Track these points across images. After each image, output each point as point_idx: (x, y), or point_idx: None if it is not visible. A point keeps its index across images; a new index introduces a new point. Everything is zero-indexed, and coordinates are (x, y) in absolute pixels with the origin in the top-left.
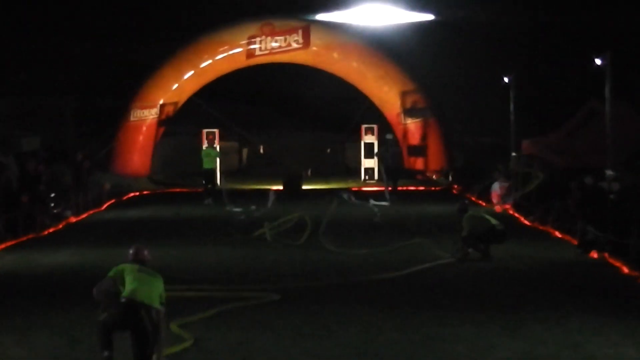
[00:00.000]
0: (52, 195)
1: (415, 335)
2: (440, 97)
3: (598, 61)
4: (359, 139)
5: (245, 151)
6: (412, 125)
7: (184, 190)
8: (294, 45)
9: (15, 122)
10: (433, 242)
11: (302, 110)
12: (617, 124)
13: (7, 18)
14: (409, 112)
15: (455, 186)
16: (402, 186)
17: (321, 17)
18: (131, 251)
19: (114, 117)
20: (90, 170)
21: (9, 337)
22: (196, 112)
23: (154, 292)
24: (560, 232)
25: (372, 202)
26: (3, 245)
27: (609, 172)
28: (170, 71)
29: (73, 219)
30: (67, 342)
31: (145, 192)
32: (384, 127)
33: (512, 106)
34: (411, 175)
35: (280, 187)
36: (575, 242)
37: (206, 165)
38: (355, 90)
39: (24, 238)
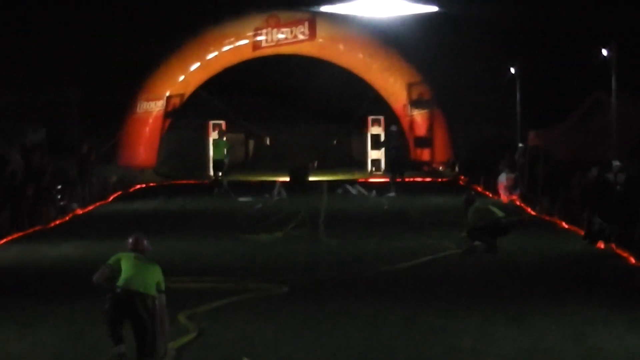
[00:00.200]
0: (58, 187)
1: (420, 328)
2: (446, 88)
3: (604, 52)
4: (365, 130)
5: (251, 143)
6: (418, 116)
7: (190, 182)
8: (300, 37)
9: (20, 115)
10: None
11: (308, 102)
12: (622, 115)
13: (11, 10)
14: (415, 103)
15: (462, 177)
16: (408, 177)
17: (326, 9)
18: (130, 240)
19: (120, 110)
20: (94, 162)
21: (14, 329)
22: (202, 104)
23: (150, 279)
24: (567, 223)
25: (374, 193)
26: (9, 238)
27: (615, 163)
28: (176, 63)
29: (79, 211)
30: (71, 334)
31: (151, 184)
32: (390, 118)
33: (518, 97)
34: (417, 167)
35: (287, 179)
36: (582, 233)
37: (215, 155)
38: (361, 82)
39: (30, 230)
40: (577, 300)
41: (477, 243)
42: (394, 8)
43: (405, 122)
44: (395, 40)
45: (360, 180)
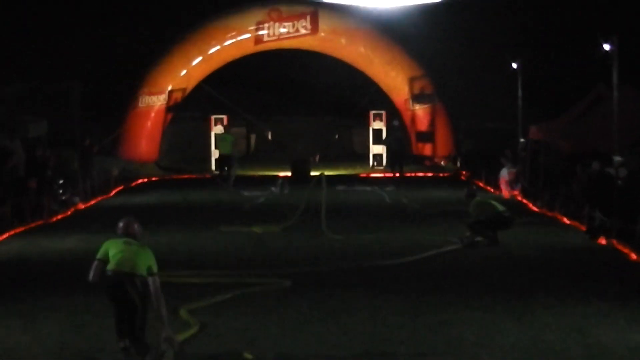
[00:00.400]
0: (60, 181)
1: (422, 321)
2: (448, 82)
3: (606, 46)
4: (367, 124)
5: (253, 137)
6: (420, 111)
7: (192, 176)
8: (302, 31)
9: (21, 106)
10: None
11: (310, 96)
12: (624, 109)
13: (13, 2)
14: (416, 97)
15: (463, 172)
16: (410, 172)
17: (330, 1)
18: (121, 224)
19: (121, 103)
20: (96, 155)
21: (17, 322)
22: (204, 98)
23: (140, 261)
24: (568, 217)
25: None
26: (11, 232)
27: (616, 158)
28: (178, 57)
29: (81, 205)
30: (73, 328)
31: (153, 178)
32: (392, 112)
33: (520, 91)
34: (419, 161)
35: (289, 173)
36: (583, 228)
37: (222, 149)
38: (363, 75)
39: (32, 224)
40: (579, 295)
41: (478, 239)
42: None
43: (406, 117)
44: (397, 34)
45: (362, 175)
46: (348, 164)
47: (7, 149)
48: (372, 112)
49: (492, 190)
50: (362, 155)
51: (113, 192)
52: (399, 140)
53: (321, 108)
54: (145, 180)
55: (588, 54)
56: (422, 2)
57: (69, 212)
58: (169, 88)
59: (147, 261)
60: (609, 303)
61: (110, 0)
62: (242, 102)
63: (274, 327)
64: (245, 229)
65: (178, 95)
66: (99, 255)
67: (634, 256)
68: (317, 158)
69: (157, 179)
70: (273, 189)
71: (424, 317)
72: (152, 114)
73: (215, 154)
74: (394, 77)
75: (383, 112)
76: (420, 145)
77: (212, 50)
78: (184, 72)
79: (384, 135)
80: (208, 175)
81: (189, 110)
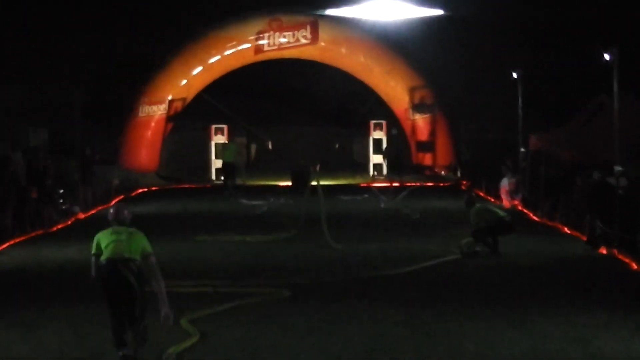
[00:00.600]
0: (61, 191)
1: (423, 331)
2: (448, 92)
3: (607, 56)
4: (367, 134)
5: (253, 147)
6: (420, 120)
7: (192, 186)
8: (302, 40)
9: (22, 115)
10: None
11: (310, 106)
12: (625, 118)
13: (14, 10)
14: (417, 107)
15: (464, 182)
16: (410, 182)
17: (330, 12)
18: (111, 211)
19: (122, 112)
20: (97, 164)
21: (17, 332)
22: (204, 107)
23: (132, 247)
24: (569, 227)
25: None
26: (12, 241)
27: (617, 168)
28: (178, 67)
29: (81, 215)
30: (74, 337)
31: (153, 188)
32: (392, 122)
33: (520, 101)
34: (419, 171)
35: (289, 183)
36: (584, 238)
37: (226, 158)
38: (363, 85)
39: (33, 234)
40: (579, 305)
41: (478, 249)
42: (398, 11)
43: (407, 126)
44: (397, 44)
45: (362, 184)
46: (348, 174)
47: (8, 158)
48: (372, 122)
49: (492, 199)
50: (362, 165)
51: (113, 202)
52: (398, 151)
53: (321, 118)
54: (145, 189)
55: (589, 64)
56: (424, 14)
57: (69, 222)
58: (169, 97)
59: (139, 244)
60: (610, 313)
61: (110, 10)
62: (243, 112)
63: (275, 337)
64: (225, 238)
65: (178, 105)
66: (93, 251)
67: (634, 266)
68: (318, 167)
69: (157, 188)
70: (272, 199)
71: (424, 327)
72: (153, 124)
73: (215, 163)
74: (394, 86)
75: (383, 122)
76: (420, 155)
77: (212, 60)
78: (184, 81)
79: (384, 145)
80: (208, 185)
81: (189, 119)
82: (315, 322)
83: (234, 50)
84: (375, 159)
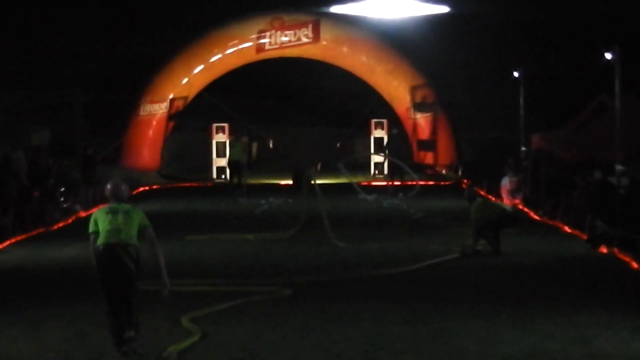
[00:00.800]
0: (62, 189)
1: (424, 329)
2: (450, 91)
3: (608, 56)
4: (369, 133)
5: (254, 146)
6: (422, 119)
7: (194, 184)
8: (304, 39)
9: (24, 115)
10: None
11: (312, 105)
12: (625, 118)
13: (17, 11)
14: (418, 106)
15: (465, 181)
16: (411, 181)
17: (335, 9)
18: (108, 186)
19: (123, 111)
20: (98, 164)
21: (19, 331)
22: (206, 106)
23: (130, 229)
24: (569, 226)
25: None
26: (13, 240)
27: (618, 167)
28: (180, 66)
29: (83, 214)
30: (76, 336)
31: (154, 187)
32: (394, 121)
33: (521, 101)
34: (420, 170)
35: (290, 182)
36: (585, 237)
37: (232, 156)
38: (365, 84)
39: (34, 232)
40: (580, 304)
41: (480, 248)
42: (404, 9)
43: (408, 125)
44: (399, 43)
45: (364, 183)
46: (350, 173)
47: (9, 158)
48: (373, 121)
49: (493, 199)
50: (363, 164)
51: None
52: (399, 148)
53: (323, 116)
54: (147, 188)
55: (590, 63)
56: (427, 12)
57: (71, 220)
58: (171, 96)
59: (137, 222)
60: (611, 312)
61: (112, 9)
62: (244, 111)
63: (275, 335)
64: (212, 237)
65: (180, 104)
66: (91, 229)
67: (635, 265)
68: (319, 167)
69: (158, 187)
70: (271, 199)
71: (425, 326)
72: (154, 123)
73: (217, 162)
74: (395, 85)
75: (385, 121)
76: (421, 154)
77: (213, 59)
78: (185, 80)
79: (385, 143)
80: (210, 184)
81: (191, 118)
82: (315, 321)
83: (235, 49)
84: (377, 157)
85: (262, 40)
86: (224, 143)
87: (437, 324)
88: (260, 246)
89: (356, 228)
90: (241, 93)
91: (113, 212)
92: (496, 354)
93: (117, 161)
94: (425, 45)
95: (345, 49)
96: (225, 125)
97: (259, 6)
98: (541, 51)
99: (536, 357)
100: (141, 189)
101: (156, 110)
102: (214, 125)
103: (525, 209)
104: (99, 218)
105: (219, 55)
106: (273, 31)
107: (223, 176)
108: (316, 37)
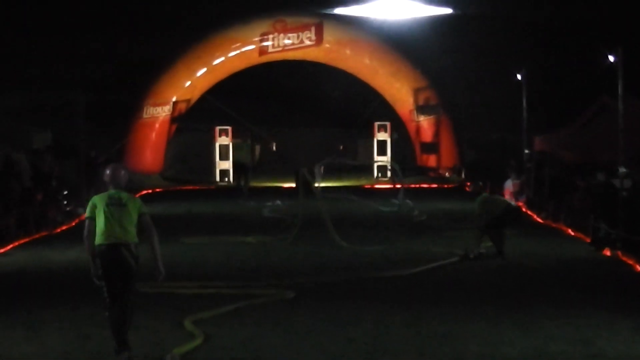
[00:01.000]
0: (65, 192)
1: (426, 332)
2: (453, 93)
3: (611, 57)
4: (372, 135)
5: (257, 148)
6: (425, 122)
7: (196, 187)
8: (307, 42)
9: (26, 117)
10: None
11: (315, 107)
12: (628, 120)
13: (19, 13)
14: (421, 109)
15: (468, 183)
16: (414, 184)
17: (339, 11)
18: (107, 172)
19: (126, 113)
20: (102, 166)
21: (21, 333)
22: (209, 109)
23: (129, 225)
24: (573, 229)
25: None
26: (16, 243)
27: (621, 169)
28: (182, 68)
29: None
30: (77, 338)
31: (157, 189)
32: (397, 124)
33: (524, 102)
34: (423, 173)
35: (293, 184)
36: (588, 239)
37: (239, 158)
38: (368, 87)
39: (37, 235)
40: (583, 306)
41: (482, 250)
42: (406, 10)
43: (411, 128)
44: (402, 45)
45: (366, 186)
46: (352, 175)
47: (11, 160)
48: (376, 123)
49: None
50: (366, 166)
51: None
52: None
53: (325, 119)
54: (150, 191)
55: (593, 64)
56: (430, 14)
57: (73, 223)
58: (174, 99)
59: (135, 213)
60: (614, 314)
61: (114, 11)
62: (247, 113)
63: (278, 338)
64: (211, 240)
65: (182, 106)
66: (88, 214)
67: (638, 267)
68: (322, 169)
69: (161, 190)
70: (278, 202)
71: (427, 328)
72: (157, 125)
73: (220, 164)
74: (398, 88)
75: (387, 123)
76: (424, 156)
77: (216, 62)
78: (188, 83)
79: (389, 146)
80: (213, 187)
81: (194, 121)
82: (318, 322)
83: (238, 51)
84: (379, 160)
85: (264, 43)
86: (227, 146)
87: (439, 325)
88: (260, 248)
89: (360, 230)
90: (244, 96)
91: (112, 204)
92: (498, 355)
93: (119, 163)
94: (428, 47)
95: (347, 51)
96: (229, 127)
97: (262, 9)
98: (543, 52)
99: (538, 358)
100: (144, 191)
101: (159, 113)
102: (217, 128)
103: (529, 211)
104: (98, 206)
105: (222, 58)
106: (276, 34)
107: (226, 179)
108: (319, 39)
